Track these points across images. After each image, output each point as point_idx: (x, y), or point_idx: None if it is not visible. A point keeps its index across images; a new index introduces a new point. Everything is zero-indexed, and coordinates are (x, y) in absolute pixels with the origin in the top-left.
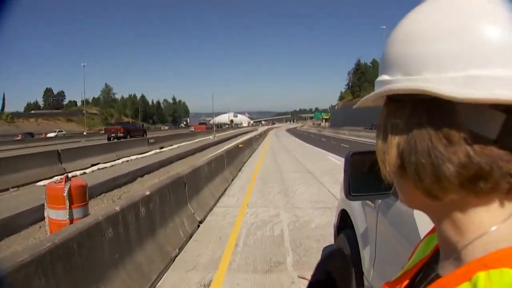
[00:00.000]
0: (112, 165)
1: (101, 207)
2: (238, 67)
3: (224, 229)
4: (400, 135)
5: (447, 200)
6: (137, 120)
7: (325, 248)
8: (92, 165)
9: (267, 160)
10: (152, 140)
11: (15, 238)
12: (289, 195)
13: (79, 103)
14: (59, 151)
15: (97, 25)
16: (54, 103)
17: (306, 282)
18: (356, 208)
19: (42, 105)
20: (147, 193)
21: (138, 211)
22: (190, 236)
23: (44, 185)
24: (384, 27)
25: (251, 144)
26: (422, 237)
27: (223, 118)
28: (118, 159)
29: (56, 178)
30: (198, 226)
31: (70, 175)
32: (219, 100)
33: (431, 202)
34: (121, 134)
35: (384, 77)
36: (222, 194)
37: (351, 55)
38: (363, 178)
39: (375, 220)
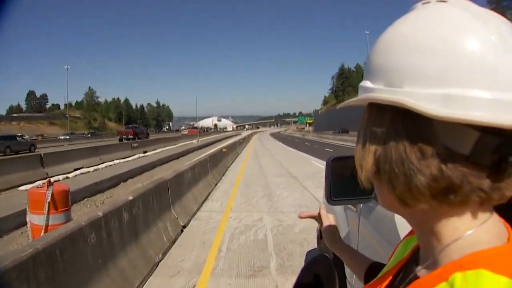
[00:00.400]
0: (95, 170)
1: (84, 212)
2: (222, 71)
3: (207, 233)
4: (377, 143)
5: (419, 208)
6: (120, 124)
7: (308, 252)
8: (75, 170)
9: (251, 164)
10: (135, 144)
11: None
12: (273, 199)
13: (62, 107)
14: (42, 155)
15: (81, 27)
16: (36, 106)
17: (306, 221)
18: (338, 212)
19: (25, 108)
20: (130, 198)
21: (121, 216)
22: (174, 241)
23: (26, 190)
24: (368, 32)
25: (234, 149)
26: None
27: (207, 122)
28: (102, 163)
29: (38, 182)
30: (182, 230)
31: (52, 179)
32: (202, 104)
33: (404, 209)
34: (131, 136)
35: (367, 83)
36: (206, 199)
37: (335, 60)
38: (344, 182)
39: (357, 224)
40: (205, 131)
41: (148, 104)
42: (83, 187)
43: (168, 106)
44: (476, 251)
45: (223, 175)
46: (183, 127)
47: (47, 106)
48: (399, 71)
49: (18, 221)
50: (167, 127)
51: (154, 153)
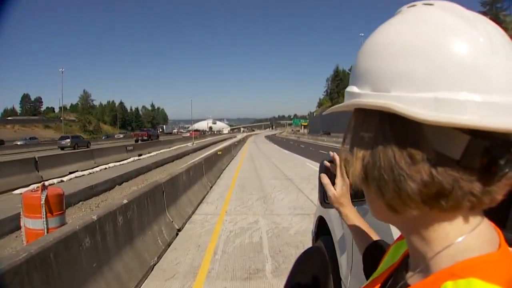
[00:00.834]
0: (90, 173)
1: (78, 216)
2: (217, 74)
3: (203, 237)
4: (365, 149)
5: (410, 214)
6: (115, 127)
7: None
8: (70, 173)
9: (246, 167)
10: (130, 147)
11: None
12: (268, 202)
13: (57, 110)
14: (36, 158)
15: (75, 30)
16: (31, 109)
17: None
18: (333, 214)
19: (19, 112)
20: (125, 201)
21: (115, 219)
22: (169, 244)
23: (21, 194)
24: (362, 34)
25: (230, 151)
26: None
27: (202, 125)
28: (97, 166)
29: (32, 186)
30: (177, 234)
31: (47, 183)
32: (197, 107)
33: (394, 216)
34: (146, 138)
35: (353, 88)
36: (201, 202)
37: (330, 62)
38: None
39: None
40: (203, 133)
41: (143, 107)
42: (78, 190)
43: (163, 109)
44: (467, 258)
45: (218, 178)
46: (175, 130)
47: (42, 109)
48: (385, 75)
49: (12, 225)
50: (160, 130)
51: (149, 156)
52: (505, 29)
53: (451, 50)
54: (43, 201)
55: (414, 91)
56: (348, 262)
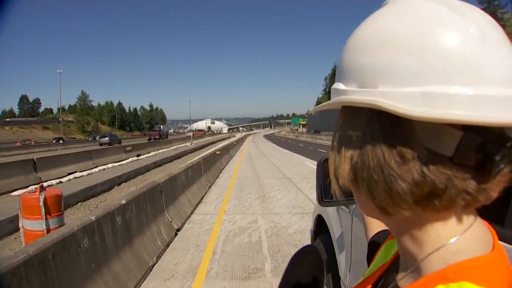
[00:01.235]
0: (89, 174)
1: (77, 217)
2: (215, 74)
3: (202, 236)
4: (353, 149)
5: (401, 216)
6: (114, 128)
7: None
8: (69, 174)
9: (245, 166)
10: (129, 148)
11: None
12: (267, 201)
13: (55, 111)
14: (35, 159)
15: (73, 31)
16: (29, 110)
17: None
18: (331, 213)
19: (18, 113)
20: (123, 202)
21: (114, 220)
22: (168, 244)
23: (19, 195)
24: None
25: (228, 151)
26: None
27: (201, 125)
28: (95, 167)
29: (31, 187)
30: (176, 234)
31: (45, 184)
32: (196, 107)
33: (385, 217)
34: (157, 137)
35: (339, 85)
36: (200, 202)
37: (328, 61)
38: None
39: (350, 225)
40: (205, 133)
41: (142, 107)
42: (77, 191)
43: (161, 109)
44: (460, 261)
45: (217, 177)
46: (171, 130)
47: (40, 111)
48: (372, 70)
49: (11, 226)
50: (156, 130)
51: (148, 156)
52: (503, 27)
53: (440, 42)
54: (41, 202)
55: (402, 86)
56: (347, 260)
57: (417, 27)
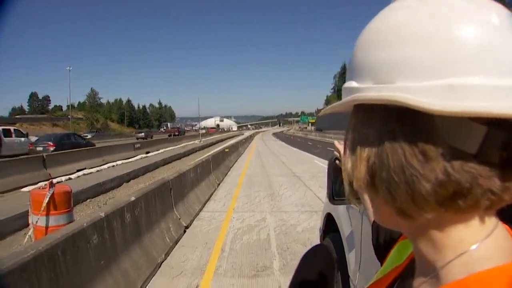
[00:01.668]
0: (98, 170)
1: (86, 213)
2: (224, 71)
3: (210, 234)
4: (370, 148)
5: (423, 219)
6: (123, 125)
7: None
8: (78, 170)
9: (254, 164)
10: (138, 145)
11: None
12: (276, 199)
13: (64, 108)
14: (44, 156)
15: (83, 28)
16: (39, 107)
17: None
18: (341, 212)
19: (27, 110)
20: (133, 198)
21: (123, 217)
22: (176, 242)
23: (29, 191)
24: None
25: (237, 148)
26: None
27: (209, 123)
28: (104, 164)
29: (40, 184)
30: (185, 231)
31: (55, 180)
32: (205, 104)
33: (404, 221)
34: (177, 134)
35: (352, 83)
36: (208, 199)
37: (337, 59)
38: None
39: (360, 223)
40: (216, 130)
41: (151, 104)
42: (86, 187)
43: (170, 106)
44: (483, 270)
45: (226, 175)
46: (162, 129)
47: (50, 108)
48: (388, 65)
49: (20, 222)
50: (164, 128)
51: (157, 153)
52: None
53: (461, 33)
54: (47, 199)
55: (422, 80)
56: (357, 259)
57: (435, 18)
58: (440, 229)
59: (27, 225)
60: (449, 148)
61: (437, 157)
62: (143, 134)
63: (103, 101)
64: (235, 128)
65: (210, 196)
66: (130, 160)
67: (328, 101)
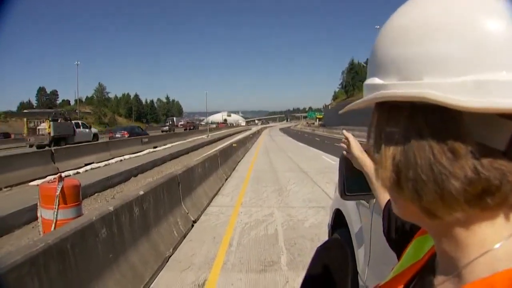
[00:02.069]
0: (106, 165)
1: (94, 207)
2: (231, 66)
3: (218, 228)
4: (395, 146)
5: (452, 218)
6: (130, 119)
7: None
8: (86, 165)
9: (261, 159)
10: (145, 140)
11: (8, 238)
12: (283, 194)
13: (72, 102)
14: (52, 150)
15: (91, 23)
16: (47, 102)
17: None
18: (350, 208)
19: (35, 105)
20: (141, 192)
21: (132, 211)
22: (184, 236)
23: (37, 185)
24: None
25: (244, 144)
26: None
27: (217, 117)
28: (112, 158)
29: (49, 177)
30: (192, 225)
31: (63, 174)
32: (212, 99)
33: (429, 220)
34: (192, 127)
35: (375, 80)
36: (216, 194)
37: (345, 55)
38: (358, 177)
39: (370, 220)
40: (226, 125)
41: (158, 99)
42: (94, 182)
43: (178, 101)
44: (508, 268)
45: (234, 170)
46: (181, 122)
47: (58, 102)
48: (416, 61)
49: (29, 215)
50: (170, 122)
51: (164, 148)
52: None
53: (489, 27)
54: (58, 192)
55: (451, 76)
56: (366, 256)
57: (462, 12)
58: (465, 227)
59: (36, 218)
60: (478, 145)
61: (467, 155)
62: (167, 127)
63: (111, 95)
64: (243, 123)
65: (218, 190)
66: (138, 154)
67: (335, 97)
